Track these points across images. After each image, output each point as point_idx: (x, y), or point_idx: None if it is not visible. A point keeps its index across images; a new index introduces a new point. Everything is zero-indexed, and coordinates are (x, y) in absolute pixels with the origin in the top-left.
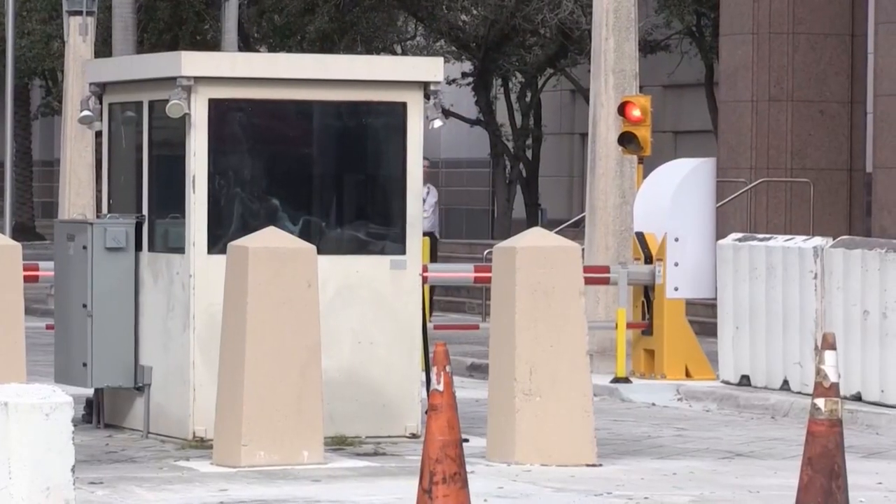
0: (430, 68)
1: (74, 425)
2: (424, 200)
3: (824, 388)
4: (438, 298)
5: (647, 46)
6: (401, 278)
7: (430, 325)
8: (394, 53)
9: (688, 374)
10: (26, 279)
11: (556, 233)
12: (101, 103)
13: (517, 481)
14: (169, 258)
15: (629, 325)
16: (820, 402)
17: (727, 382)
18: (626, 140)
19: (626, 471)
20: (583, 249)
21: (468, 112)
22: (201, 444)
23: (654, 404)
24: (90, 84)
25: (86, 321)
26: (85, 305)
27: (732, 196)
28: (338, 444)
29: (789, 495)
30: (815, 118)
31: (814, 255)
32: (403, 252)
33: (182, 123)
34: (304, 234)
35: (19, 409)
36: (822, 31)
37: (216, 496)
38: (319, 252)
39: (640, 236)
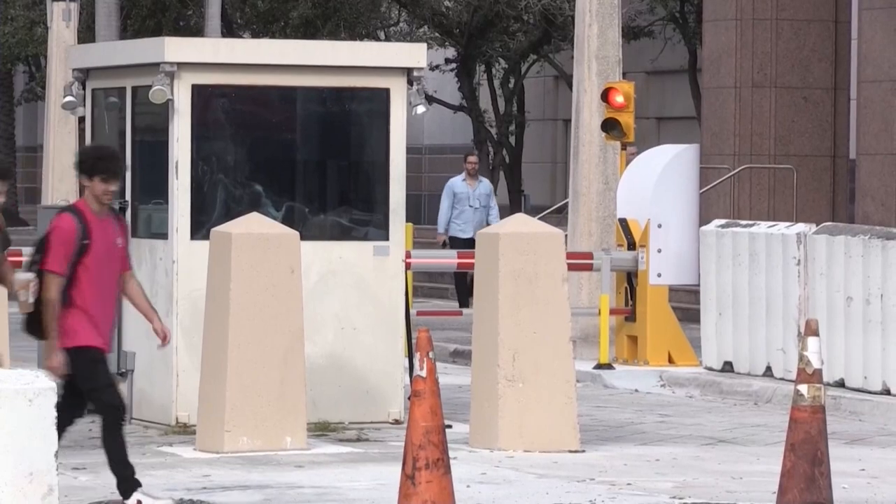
0: (414, 54)
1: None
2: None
3: (807, 375)
4: (421, 284)
5: (631, 32)
6: (384, 264)
7: (412, 312)
8: (377, 39)
9: (671, 361)
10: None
11: (540, 219)
12: (84, 89)
13: (500, 467)
14: (152, 244)
15: (612, 312)
16: (803, 388)
17: (710, 369)
18: (610, 126)
19: (609, 457)
20: (566, 236)
21: (451, 98)
22: (184, 430)
23: (637, 390)
24: (73, 70)
25: None
26: None
27: (716, 182)
28: (321, 430)
29: (772, 481)
30: (798, 104)
31: (797, 241)
32: (386, 238)
33: (165, 109)
34: (288, 220)
35: (2, 395)
36: (805, 17)
37: (199, 482)
38: (303, 238)
39: (623, 222)
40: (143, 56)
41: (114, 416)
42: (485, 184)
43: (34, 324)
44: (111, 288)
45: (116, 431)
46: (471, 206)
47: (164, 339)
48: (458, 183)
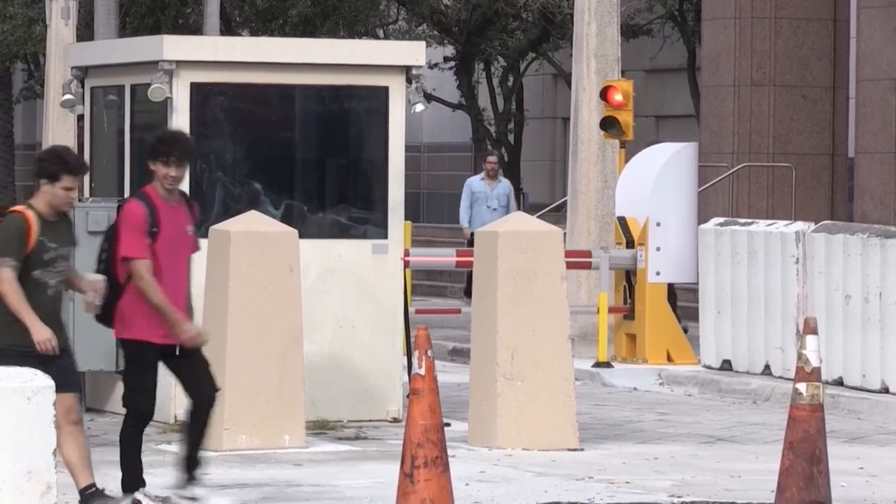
0: (413, 52)
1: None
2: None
3: (806, 373)
4: (420, 283)
5: (630, 31)
6: (382, 263)
7: (411, 310)
8: (376, 38)
9: (669, 359)
10: None
11: (538, 217)
12: (83, 87)
13: (499, 465)
14: None
15: (611, 310)
16: (801, 386)
17: (709, 367)
18: (609, 125)
19: (608, 455)
20: (565, 234)
21: (450, 96)
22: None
23: (635, 389)
24: (72, 68)
25: (67, 305)
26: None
27: (714, 181)
28: (319, 428)
29: (770, 480)
30: (797, 103)
31: (796, 239)
32: (385, 236)
33: (164, 107)
34: (287, 219)
35: (1, 393)
36: (804, 15)
37: None
38: (301, 236)
39: (622, 221)
40: (141, 54)
41: (137, 420)
42: (504, 184)
43: (106, 316)
44: (181, 276)
45: (135, 434)
46: (488, 207)
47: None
48: (476, 182)
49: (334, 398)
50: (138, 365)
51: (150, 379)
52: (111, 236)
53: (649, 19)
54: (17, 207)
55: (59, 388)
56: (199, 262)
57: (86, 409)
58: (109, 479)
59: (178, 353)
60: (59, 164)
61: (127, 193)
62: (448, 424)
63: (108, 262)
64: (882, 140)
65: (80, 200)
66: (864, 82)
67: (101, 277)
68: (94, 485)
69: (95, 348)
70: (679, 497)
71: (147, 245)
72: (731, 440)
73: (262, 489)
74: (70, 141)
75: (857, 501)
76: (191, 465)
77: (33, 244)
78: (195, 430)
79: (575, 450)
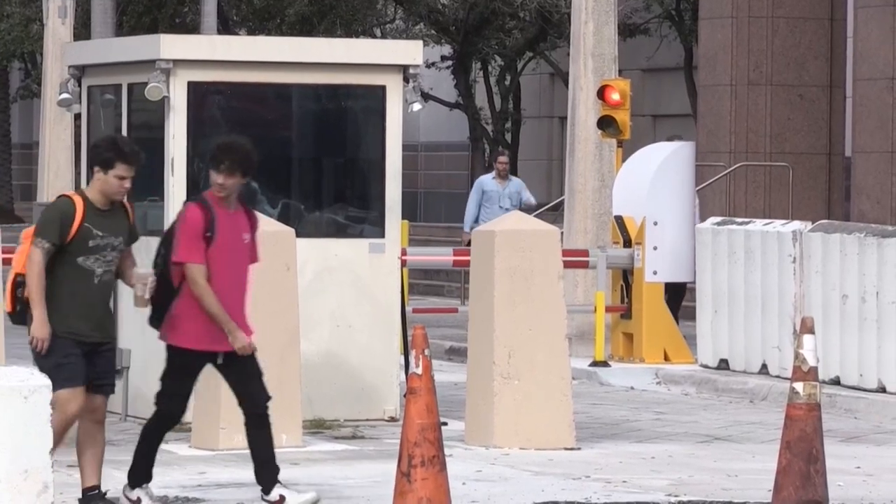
0: (410, 51)
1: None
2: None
3: (803, 372)
4: (417, 282)
5: (627, 30)
6: (379, 262)
7: (408, 309)
8: (373, 37)
9: (666, 358)
10: (4, 262)
11: (535, 216)
12: (80, 86)
13: (496, 465)
14: (148, 241)
15: (608, 309)
16: (798, 385)
17: (706, 366)
18: (606, 124)
19: (605, 454)
20: (562, 233)
21: (447, 95)
22: (180, 428)
23: (632, 388)
24: (69, 67)
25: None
26: None
27: (711, 180)
28: (316, 427)
29: (767, 479)
30: (794, 102)
31: (793, 239)
32: (382, 235)
33: (161, 106)
34: (283, 217)
35: None
36: (801, 14)
37: (194, 479)
38: (298, 235)
39: (619, 220)
40: (138, 53)
41: (165, 421)
42: (515, 182)
43: (157, 318)
44: (238, 284)
45: (158, 432)
46: (501, 207)
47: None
48: (487, 181)
49: (331, 397)
50: (180, 372)
51: (187, 386)
52: (168, 239)
53: (646, 18)
54: (68, 192)
55: (96, 390)
56: None
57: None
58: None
59: (221, 361)
60: (112, 151)
61: None
62: (445, 423)
63: (164, 265)
64: (879, 139)
65: None
66: (860, 81)
67: (150, 272)
68: (97, 487)
69: None
70: (676, 496)
71: (202, 250)
72: (728, 439)
73: (259, 489)
74: (66, 141)
75: (854, 501)
76: (268, 472)
77: (77, 230)
78: (258, 439)
79: (572, 449)
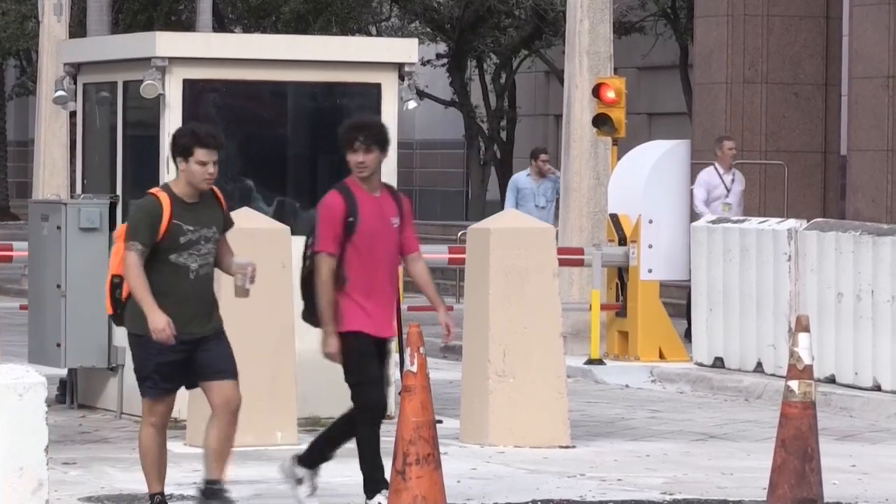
0: (405, 49)
1: (48, 406)
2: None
3: (798, 371)
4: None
5: (622, 28)
6: None
7: (403, 307)
8: (368, 35)
9: (661, 356)
10: (0, 259)
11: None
12: (75, 83)
13: (491, 462)
14: None
15: (603, 307)
16: (793, 384)
17: (701, 364)
18: (601, 122)
19: (600, 452)
20: (557, 231)
21: (443, 93)
22: (175, 425)
23: (627, 386)
24: (65, 64)
25: (60, 301)
26: (59, 286)
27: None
28: (311, 424)
29: (762, 477)
30: (789, 100)
31: (788, 237)
32: None
33: (156, 104)
34: (279, 215)
35: None
36: (796, 13)
37: (189, 476)
38: (293, 233)
39: (615, 218)
40: (134, 51)
41: (369, 416)
42: (548, 178)
43: (309, 312)
44: (386, 269)
45: (369, 431)
46: (536, 206)
47: (448, 332)
48: (522, 179)
49: (326, 394)
50: (357, 357)
51: (373, 369)
52: (313, 231)
53: (642, 16)
54: (153, 190)
55: (214, 376)
56: None
57: (78, 405)
58: (101, 475)
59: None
60: (189, 137)
61: (119, 190)
62: (440, 421)
63: (313, 258)
64: (874, 137)
65: (72, 197)
66: (856, 80)
67: (249, 260)
68: (219, 480)
69: (87, 345)
70: (671, 494)
71: (337, 238)
72: (723, 437)
73: (255, 486)
74: (62, 138)
75: (848, 499)
76: (373, 479)
77: (167, 227)
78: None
79: (567, 447)
